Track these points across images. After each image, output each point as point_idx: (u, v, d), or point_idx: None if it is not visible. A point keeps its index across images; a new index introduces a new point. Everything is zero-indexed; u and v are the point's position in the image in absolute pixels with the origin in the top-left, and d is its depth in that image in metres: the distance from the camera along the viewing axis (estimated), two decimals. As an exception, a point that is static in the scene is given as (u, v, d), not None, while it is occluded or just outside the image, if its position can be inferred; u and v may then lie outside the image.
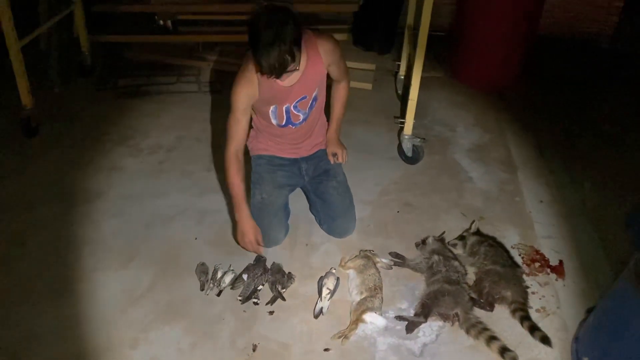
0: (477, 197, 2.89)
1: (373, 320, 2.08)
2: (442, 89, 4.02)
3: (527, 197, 2.88)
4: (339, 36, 3.77)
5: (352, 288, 2.23)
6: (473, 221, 2.57)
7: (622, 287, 1.80)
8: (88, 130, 3.37)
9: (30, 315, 2.14)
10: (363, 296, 2.15)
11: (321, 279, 2.29)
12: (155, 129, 3.43)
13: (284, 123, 2.33)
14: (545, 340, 2.03)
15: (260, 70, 1.97)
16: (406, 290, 2.30)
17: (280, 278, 2.28)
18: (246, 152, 2.37)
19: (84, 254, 2.44)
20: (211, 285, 2.27)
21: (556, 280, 2.36)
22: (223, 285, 2.26)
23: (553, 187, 2.97)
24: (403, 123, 3.06)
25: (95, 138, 3.30)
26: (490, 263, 2.31)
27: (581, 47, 4.79)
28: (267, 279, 2.29)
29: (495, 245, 2.42)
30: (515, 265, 2.35)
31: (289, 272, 2.33)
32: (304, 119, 2.35)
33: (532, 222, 2.70)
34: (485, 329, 2.05)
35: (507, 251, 2.42)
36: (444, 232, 2.55)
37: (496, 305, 2.20)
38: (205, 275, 2.31)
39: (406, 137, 3.07)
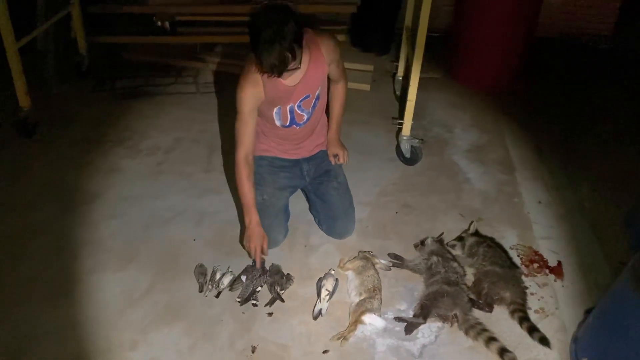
0: (476, 198, 2.89)
1: (372, 321, 2.08)
2: (440, 90, 4.02)
3: (525, 198, 2.88)
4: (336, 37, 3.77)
5: (351, 289, 2.23)
6: (472, 222, 2.57)
7: (621, 288, 1.80)
8: (86, 132, 3.37)
9: (29, 317, 2.13)
10: (362, 297, 2.15)
11: (320, 280, 2.29)
12: (154, 130, 3.42)
13: (288, 123, 2.33)
14: (544, 341, 2.03)
15: (261, 68, 1.97)
16: (405, 291, 2.30)
17: (279, 279, 2.27)
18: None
19: (82, 256, 2.43)
20: (210, 286, 2.27)
21: (555, 281, 2.36)
22: (222, 286, 2.25)
23: (551, 188, 2.97)
24: (401, 124, 3.06)
25: (93, 139, 3.29)
26: (489, 264, 2.31)
27: (579, 48, 4.80)
28: (265, 280, 2.28)
29: (494, 246, 2.42)
30: (514, 266, 2.35)
31: (288, 274, 2.33)
32: (308, 119, 2.36)
33: (530, 223, 2.70)
34: (484, 330, 2.05)
35: (505, 252, 2.42)
36: (442, 233, 2.55)
37: (495, 306, 2.20)
38: (203, 276, 2.30)
39: (404, 138, 3.07)
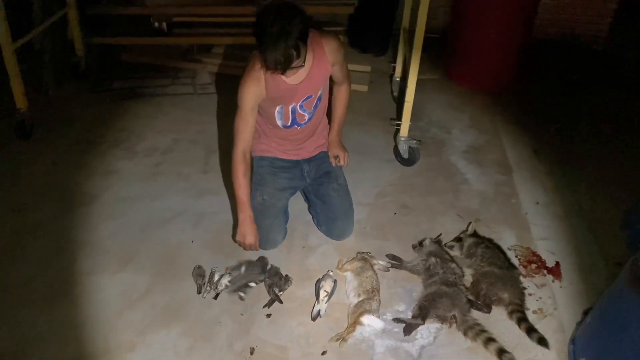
0: (473, 199, 2.89)
1: (371, 322, 2.08)
2: (437, 91, 4.03)
3: (523, 199, 2.89)
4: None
5: (350, 290, 2.22)
6: (470, 223, 2.57)
7: (619, 288, 1.81)
8: (83, 133, 3.36)
9: (27, 318, 2.12)
10: (360, 298, 2.15)
11: (318, 281, 2.28)
12: (151, 131, 3.42)
13: (289, 124, 2.34)
14: (542, 341, 2.03)
15: (266, 64, 1.97)
16: (403, 292, 2.30)
17: (277, 281, 2.27)
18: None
19: (80, 257, 2.43)
20: (208, 288, 2.26)
21: (553, 281, 2.36)
22: (220, 288, 2.25)
23: (549, 188, 2.98)
24: (399, 125, 3.06)
25: (90, 140, 3.28)
26: (487, 265, 2.31)
27: (575, 49, 4.81)
28: (262, 279, 2.29)
29: (492, 247, 2.42)
30: (512, 266, 2.36)
31: (286, 275, 2.33)
32: (309, 119, 2.36)
33: (528, 224, 2.71)
34: (483, 330, 2.05)
35: (503, 253, 2.43)
36: (440, 234, 2.55)
37: (493, 307, 2.20)
38: (202, 278, 2.30)
39: (402, 139, 3.07)
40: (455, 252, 2.47)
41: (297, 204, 2.72)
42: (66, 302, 2.20)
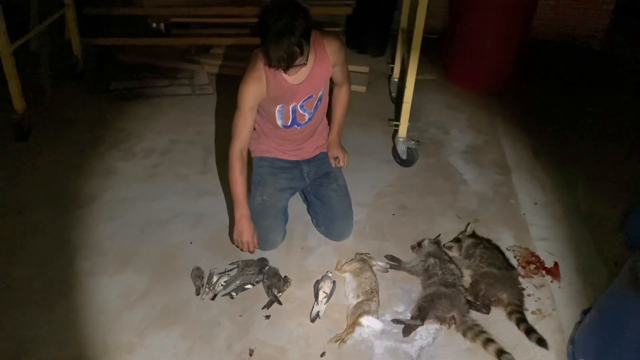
0: (472, 200, 2.89)
1: (370, 323, 2.08)
2: (435, 91, 4.03)
3: (521, 199, 2.89)
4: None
5: (349, 291, 2.22)
6: (468, 223, 2.58)
7: (618, 289, 1.81)
8: (81, 134, 3.35)
9: (24, 321, 2.12)
10: (359, 299, 2.15)
11: (317, 282, 2.28)
12: (149, 132, 3.41)
13: (289, 123, 2.33)
14: (541, 342, 2.03)
15: (268, 62, 1.98)
16: (402, 293, 2.30)
17: (276, 282, 2.27)
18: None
19: (79, 258, 2.42)
20: (207, 289, 2.26)
21: (551, 282, 2.37)
22: (218, 289, 2.25)
23: (547, 189, 2.98)
24: (397, 126, 3.06)
25: (88, 141, 3.28)
26: (486, 265, 2.31)
27: (573, 49, 4.83)
28: (259, 280, 2.28)
29: (490, 248, 2.43)
30: (510, 267, 2.36)
31: (285, 276, 2.32)
32: (309, 119, 2.36)
33: (526, 224, 2.71)
34: (482, 331, 2.05)
35: (502, 253, 2.43)
36: (439, 235, 2.55)
37: (492, 308, 2.20)
38: (200, 279, 2.29)
39: (401, 139, 3.07)
40: (454, 253, 2.47)
41: (296, 205, 2.72)
42: (65, 303, 2.20)
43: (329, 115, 2.55)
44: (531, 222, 2.72)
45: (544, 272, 2.41)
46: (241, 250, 2.32)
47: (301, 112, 2.30)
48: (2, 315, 2.14)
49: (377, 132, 3.47)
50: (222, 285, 2.25)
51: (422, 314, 2.12)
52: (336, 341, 2.04)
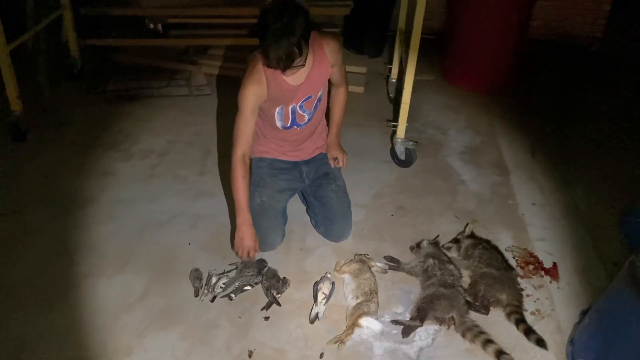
0: (470, 200, 2.90)
1: (369, 324, 2.08)
2: (433, 92, 4.03)
3: (519, 200, 2.89)
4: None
5: (348, 292, 2.22)
6: (467, 224, 2.58)
7: (617, 289, 1.81)
8: (78, 135, 3.34)
9: (21, 323, 2.11)
10: (359, 300, 2.15)
11: (316, 283, 2.28)
12: (147, 133, 3.41)
13: (289, 124, 2.33)
14: (540, 342, 2.03)
15: (267, 62, 1.97)
16: (401, 294, 2.29)
17: (275, 283, 2.26)
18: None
19: (76, 260, 2.41)
20: (205, 291, 2.25)
21: (550, 282, 2.37)
22: (217, 290, 2.24)
23: (545, 189, 2.99)
24: (396, 126, 3.06)
25: (85, 142, 3.27)
26: (485, 266, 2.31)
27: (571, 50, 4.84)
28: (259, 281, 2.28)
29: (489, 248, 2.42)
30: (509, 268, 2.36)
31: (284, 277, 2.32)
32: (309, 120, 2.36)
33: (525, 225, 2.71)
34: (481, 332, 2.05)
35: (501, 254, 2.43)
36: (438, 236, 2.55)
37: (491, 309, 2.20)
38: (199, 281, 2.29)
39: (399, 140, 3.07)
40: (453, 254, 2.47)
41: (294, 206, 2.72)
42: (63, 305, 2.19)
43: (327, 116, 2.54)
44: (530, 223, 2.73)
45: (542, 272, 2.41)
46: (240, 257, 2.30)
47: (300, 112, 2.30)
48: (0, 316, 2.13)
49: (375, 132, 3.46)
50: (221, 287, 2.24)
51: (421, 314, 2.12)
52: (335, 342, 2.04)
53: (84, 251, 2.46)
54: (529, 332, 2.07)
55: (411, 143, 3.08)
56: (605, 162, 3.27)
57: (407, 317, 2.17)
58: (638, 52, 4.76)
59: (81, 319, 2.13)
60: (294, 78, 2.15)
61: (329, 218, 2.51)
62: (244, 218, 2.26)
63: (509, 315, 2.15)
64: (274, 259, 2.43)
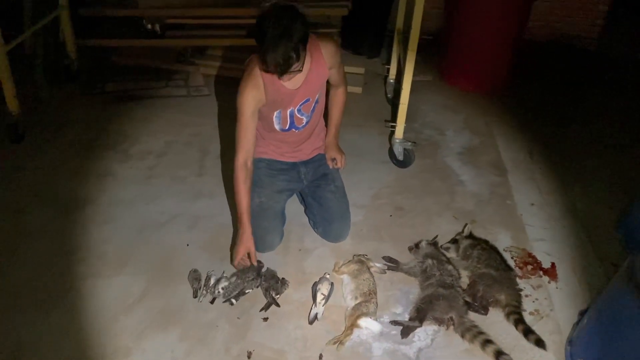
0: (469, 200, 2.90)
1: (368, 325, 2.08)
2: (431, 93, 4.03)
3: (518, 200, 2.90)
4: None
5: (347, 293, 2.22)
6: (466, 224, 2.58)
7: (616, 289, 1.82)
8: (76, 136, 3.33)
9: (19, 325, 2.10)
10: (358, 301, 2.15)
11: (315, 284, 2.28)
12: (145, 134, 3.40)
13: (287, 127, 2.33)
14: (539, 343, 2.03)
15: (264, 66, 1.97)
16: (400, 294, 2.29)
17: (274, 284, 2.26)
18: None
19: (74, 261, 2.40)
20: (204, 292, 2.25)
21: (549, 282, 2.37)
22: (216, 292, 2.23)
23: (543, 189, 2.99)
24: (394, 127, 3.06)
25: (83, 143, 3.26)
26: (484, 266, 2.31)
27: (568, 50, 4.84)
28: (259, 284, 2.27)
29: (488, 249, 2.43)
30: (508, 268, 2.36)
31: (283, 278, 2.31)
32: (307, 122, 2.36)
33: (523, 225, 2.72)
34: (480, 332, 2.05)
35: (500, 254, 2.43)
36: (437, 236, 2.55)
37: (490, 309, 2.20)
38: (198, 282, 2.28)
39: (397, 140, 3.07)
40: (452, 254, 2.47)
41: (293, 206, 2.71)
42: (61, 307, 2.18)
43: (325, 116, 2.54)
44: (528, 223, 2.73)
45: (541, 272, 2.42)
46: (235, 266, 2.30)
47: (299, 115, 2.30)
48: (-1, 318, 2.13)
49: (373, 133, 3.46)
50: (219, 291, 2.22)
51: (420, 315, 2.12)
52: (334, 343, 2.04)
53: (82, 252, 2.46)
54: (527, 332, 2.07)
55: (409, 143, 3.08)
56: (604, 162, 3.28)
57: (406, 317, 2.17)
58: (636, 52, 4.77)
59: (80, 320, 2.13)
60: (292, 82, 2.15)
61: (328, 219, 2.51)
62: (245, 229, 2.25)
63: (507, 315, 2.16)
64: (272, 259, 2.43)
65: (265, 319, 2.16)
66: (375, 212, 2.78)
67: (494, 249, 2.45)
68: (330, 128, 2.56)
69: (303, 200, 2.69)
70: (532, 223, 2.73)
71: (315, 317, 2.15)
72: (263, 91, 2.14)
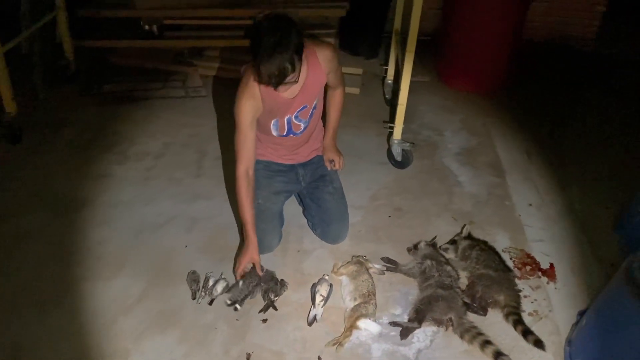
0: (467, 201, 2.90)
1: (367, 326, 2.07)
2: (429, 93, 4.03)
3: (516, 201, 2.90)
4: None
5: (346, 294, 2.22)
6: (464, 225, 2.58)
7: (614, 289, 1.82)
8: (73, 137, 3.33)
9: (17, 327, 2.09)
10: (357, 302, 2.14)
11: (314, 285, 2.27)
12: (142, 135, 3.39)
13: (285, 133, 2.32)
14: (538, 343, 2.03)
15: (259, 78, 1.94)
16: (399, 295, 2.29)
17: (273, 285, 2.25)
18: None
19: (72, 264, 2.40)
20: (203, 293, 2.24)
21: (547, 283, 2.37)
22: (215, 293, 2.23)
23: (541, 190, 2.99)
24: (392, 128, 3.06)
25: (81, 145, 3.25)
26: (483, 267, 2.31)
27: (566, 50, 4.85)
28: (260, 288, 2.27)
29: (486, 250, 2.43)
30: (507, 269, 2.36)
31: (282, 279, 2.31)
32: (305, 127, 2.35)
33: (521, 226, 2.72)
34: (479, 333, 2.05)
35: (498, 255, 2.43)
36: (435, 237, 2.55)
37: (489, 310, 2.20)
38: (196, 283, 2.28)
39: (395, 141, 3.07)
40: (450, 255, 2.47)
41: (291, 208, 2.71)
42: (59, 309, 2.18)
43: (323, 118, 2.54)
44: (526, 224, 2.73)
45: (540, 273, 2.42)
46: (236, 277, 2.29)
47: (296, 122, 2.29)
48: (-5, 322, 2.12)
49: (371, 134, 3.46)
50: (220, 291, 2.23)
51: (419, 316, 2.11)
52: (333, 345, 2.04)
53: (80, 254, 2.45)
54: (526, 333, 2.07)
55: (407, 144, 3.08)
56: (601, 162, 3.28)
57: (405, 318, 2.17)
58: (632, 52, 4.78)
59: (78, 322, 2.12)
60: (289, 91, 2.12)
61: (326, 220, 2.51)
62: (249, 241, 2.24)
63: (506, 316, 2.15)
64: (271, 261, 2.43)
65: (264, 321, 2.15)
66: (373, 213, 2.78)
67: (492, 250, 2.45)
68: (328, 129, 2.55)
69: (301, 202, 2.68)
70: (530, 224, 2.73)
71: (314, 318, 2.15)
72: (260, 100, 2.12)
